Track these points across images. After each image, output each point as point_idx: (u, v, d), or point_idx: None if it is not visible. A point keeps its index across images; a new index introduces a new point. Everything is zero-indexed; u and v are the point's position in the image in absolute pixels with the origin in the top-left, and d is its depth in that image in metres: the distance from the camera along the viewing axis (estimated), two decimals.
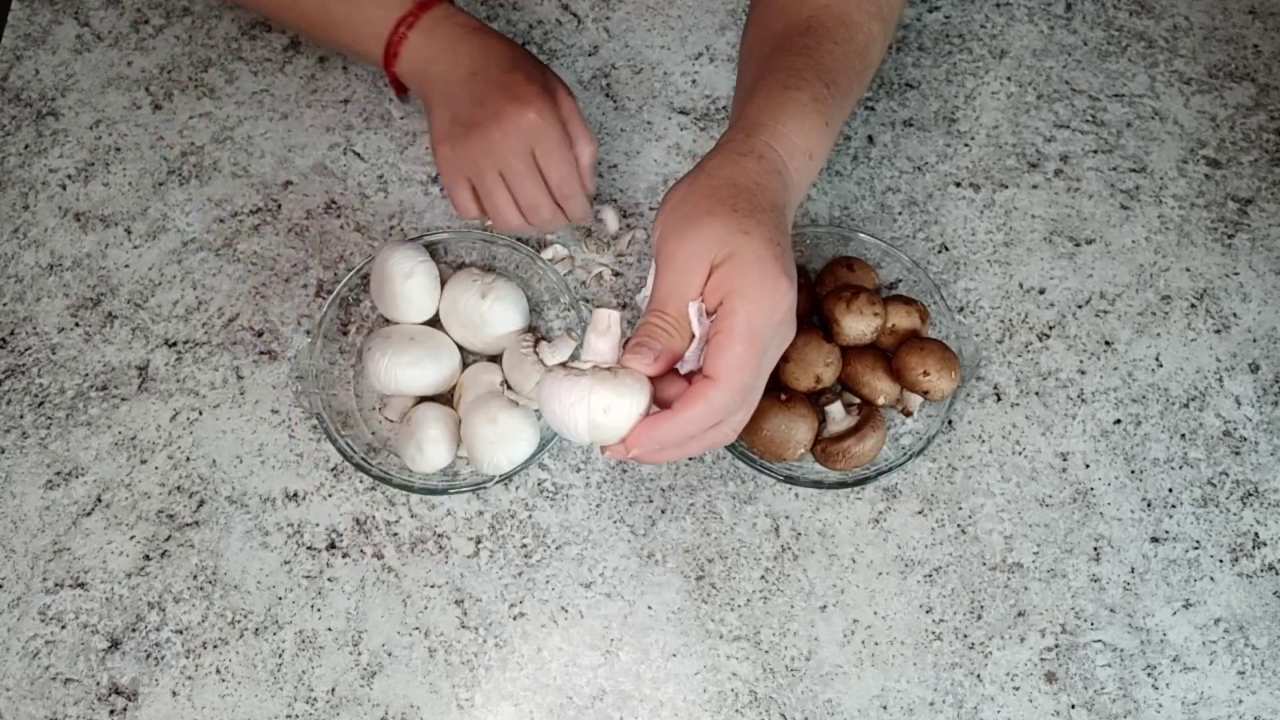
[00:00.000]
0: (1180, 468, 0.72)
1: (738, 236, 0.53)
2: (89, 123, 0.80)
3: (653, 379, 0.53)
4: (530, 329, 0.73)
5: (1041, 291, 0.77)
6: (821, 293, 0.73)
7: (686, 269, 0.53)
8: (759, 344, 0.52)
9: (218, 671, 0.66)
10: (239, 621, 0.67)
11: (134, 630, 0.67)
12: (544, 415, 0.54)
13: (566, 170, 0.67)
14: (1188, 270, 0.78)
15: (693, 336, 0.53)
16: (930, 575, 0.69)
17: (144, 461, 0.71)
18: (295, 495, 0.70)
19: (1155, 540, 0.71)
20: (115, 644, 0.67)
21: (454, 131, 0.67)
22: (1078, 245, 0.78)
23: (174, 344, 0.74)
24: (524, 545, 0.69)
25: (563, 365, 0.54)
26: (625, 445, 0.53)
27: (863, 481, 0.69)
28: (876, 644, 0.67)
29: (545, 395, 0.53)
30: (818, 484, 0.68)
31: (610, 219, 0.78)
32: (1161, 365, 0.75)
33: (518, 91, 0.66)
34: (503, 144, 0.66)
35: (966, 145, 0.81)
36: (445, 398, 0.72)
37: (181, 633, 0.67)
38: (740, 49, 0.71)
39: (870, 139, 0.81)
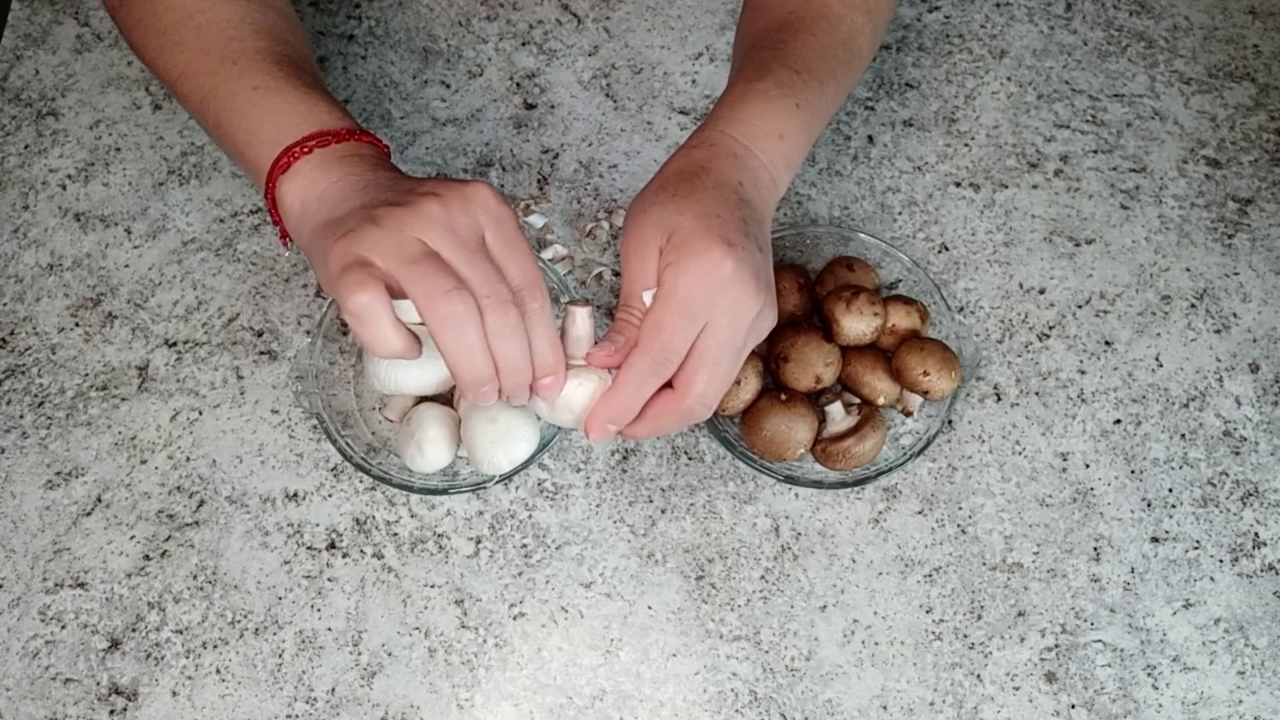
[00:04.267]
0: (1180, 468, 0.72)
1: (673, 217, 0.55)
2: (89, 123, 0.80)
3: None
4: None
5: (1041, 291, 0.77)
6: (821, 293, 0.73)
7: (638, 260, 0.56)
8: (681, 305, 0.54)
9: (218, 671, 0.66)
10: (239, 621, 0.67)
11: (134, 630, 0.67)
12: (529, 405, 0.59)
13: (519, 250, 0.52)
14: (1188, 270, 0.78)
15: None
16: (930, 575, 0.69)
17: (144, 461, 0.71)
18: (295, 495, 0.70)
19: (1155, 540, 0.71)
20: (115, 644, 0.67)
21: (363, 217, 0.49)
22: (1078, 245, 0.78)
23: (174, 344, 0.74)
24: (524, 545, 0.69)
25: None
26: (585, 428, 0.56)
27: (863, 481, 0.69)
28: (876, 644, 0.67)
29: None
30: (818, 484, 0.68)
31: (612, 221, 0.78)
32: (1161, 365, 0.75)
33: (451, 181, 0.51)
34: (443, 216, 0.48)
35: (966, 145, 0.81)
36: (445, 398, 0.72)
37: (181, 633, 0.67)
38: (734, 46, 0.71)
39: (870, 139, 0.81)
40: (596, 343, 0.57)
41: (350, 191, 0.52)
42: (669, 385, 0.56)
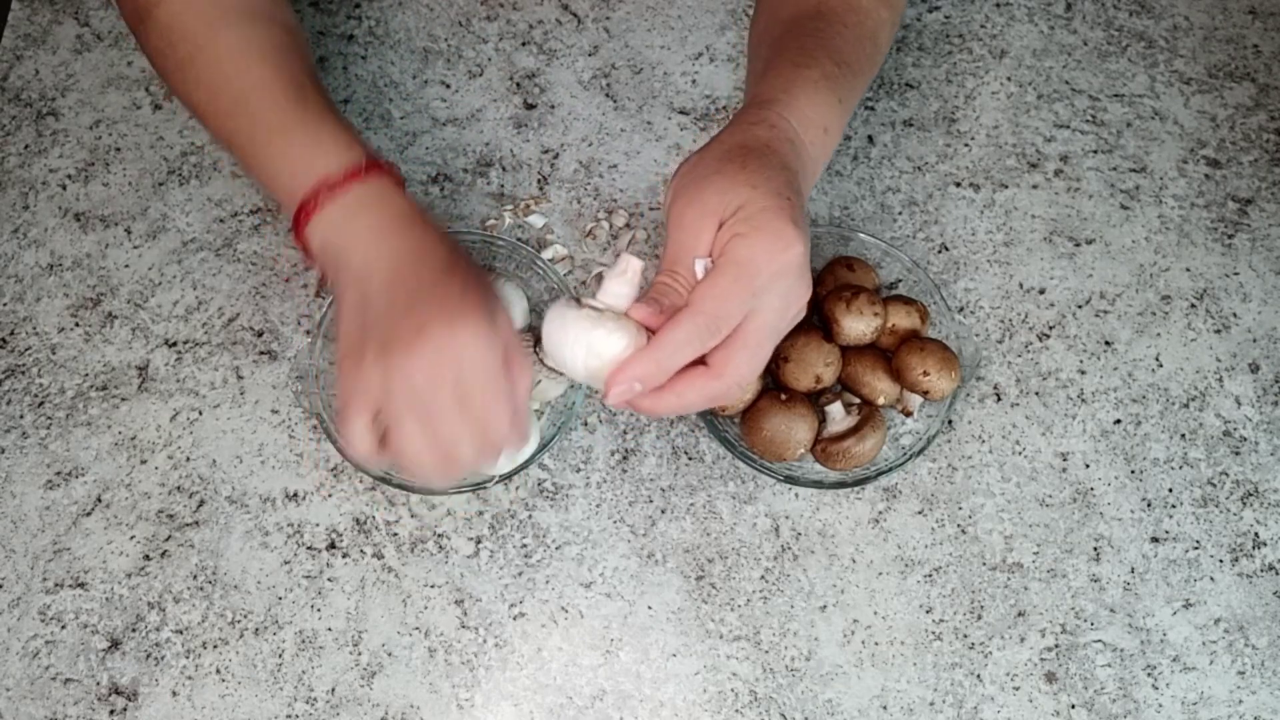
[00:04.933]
0: (1180, 468, 0.72)
1: (745, 190, 0.53)
2: (89, 123, 0.80)
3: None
4: (530, 329, 0.73)
5: (1041, 291, 0.77)
6: (821, 293, 0.73)
7: (694, 228, 0.53)
8: (746, 279, 0.52)
9: (218, 671, 0.66)
10: (239, 621, 0.67)
11: (134, 630, 0.67)
12: (545, 345, 0.55)
13: (498, 409, 0.55)
14: (1188, 270, 0.78)
15: None
16: (930, 575, 0.69)
17: (144, 461, 0.71)
18: (295, 495, 0.70)
19: (1155, 540, 0.71)
20: (115, 644, 0.67)
21: (364, 347, 0.54)
22: (1078, 245, 0.78)
23: (174, 344, 0.74)
24: (524, 545, 0.69)
25: (577, 301, 0.55)
26: (606, 385, 0.53)
27: (863, 481, 0.69)
28: (876, 644, 0.67)
29: (549, 326, 0.54)
30: (818, 484, 0.68)
31: (613, 219, 0.78)
32: (1161, 365, 0.75)
33: (449, 306, 0.54)
34: (419, 371, 0.53)
35: (966, 145, 0.81)
36: None
37: (181, 633, 0.67)
38: (749, 38, 0.71)
39: (870, 139, 0.81)
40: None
41: (373, 277, 0.56)
42: (701, 361, 0.54)
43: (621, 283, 0.55)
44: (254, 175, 0.62)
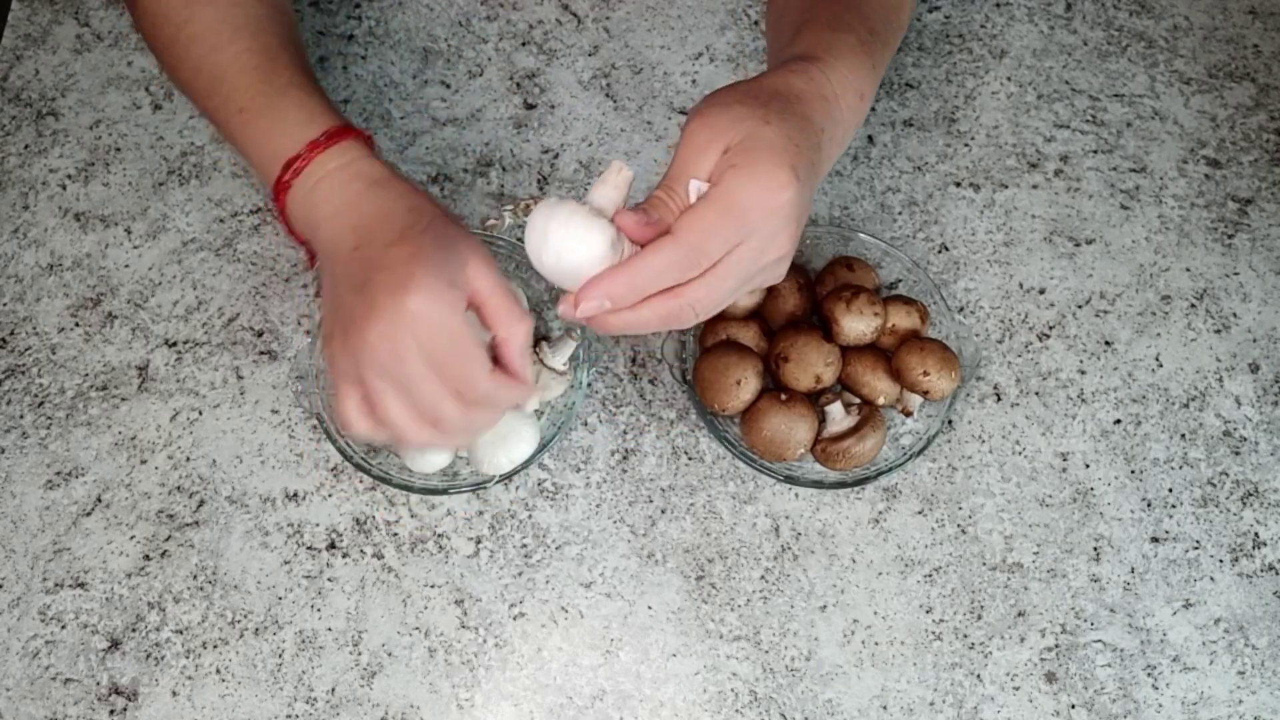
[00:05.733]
0: (1180, 468, 0.72)
1: (757, 124, 0.53)
2: (89, 123, 0.80)
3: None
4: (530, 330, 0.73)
5: (1041, 291, 0.77)
6: (821, 293, 0.73)
7: (700, 148, 0.53)
8: (735, 216, 0.51)
9: (218, 671, 0.66)
10: (239, 621, 0.67)
11: (134, 630, 0.67)
12: (526, 241, 0.54)
13: (470, 365, 0.53)
14: (1188, 270, 0.78)
15: None
16: (930, 575, 0.69)
17: (144, 461, 0.71)
18: (295, 495, 0.70)
19: (1155, 540, 0.71)
20: (115, 644, 0.67)
21: (335, 328, 0.55)
22: (1078, 245, 0.78)
23: (174, 344, 0.74)
24: (524, 545, 0.69)
25: (563, 199, 0.54)
26: (577, 296, 0.52)
27: (863, 481, 0.69)
28: (876, 644, 0.67)
29: (533, 219, 0.53)
30: (818, 484, 0.68)
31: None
32: (1161, 365, 0.75)
33: (397, 275, 0.52)
34: (380, 345, 0.52)
35: (966, 145, 0.81)
36: None
37: (181, 633, 0.67)
38: (770, 10, 0.70)
39: (870, 139, 0.81)
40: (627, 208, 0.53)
41: (339, 252, 0.56)
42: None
43: (610, 187, 0.54)
44: (238, 149, 0.62)
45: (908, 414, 0.72)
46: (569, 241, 0.52)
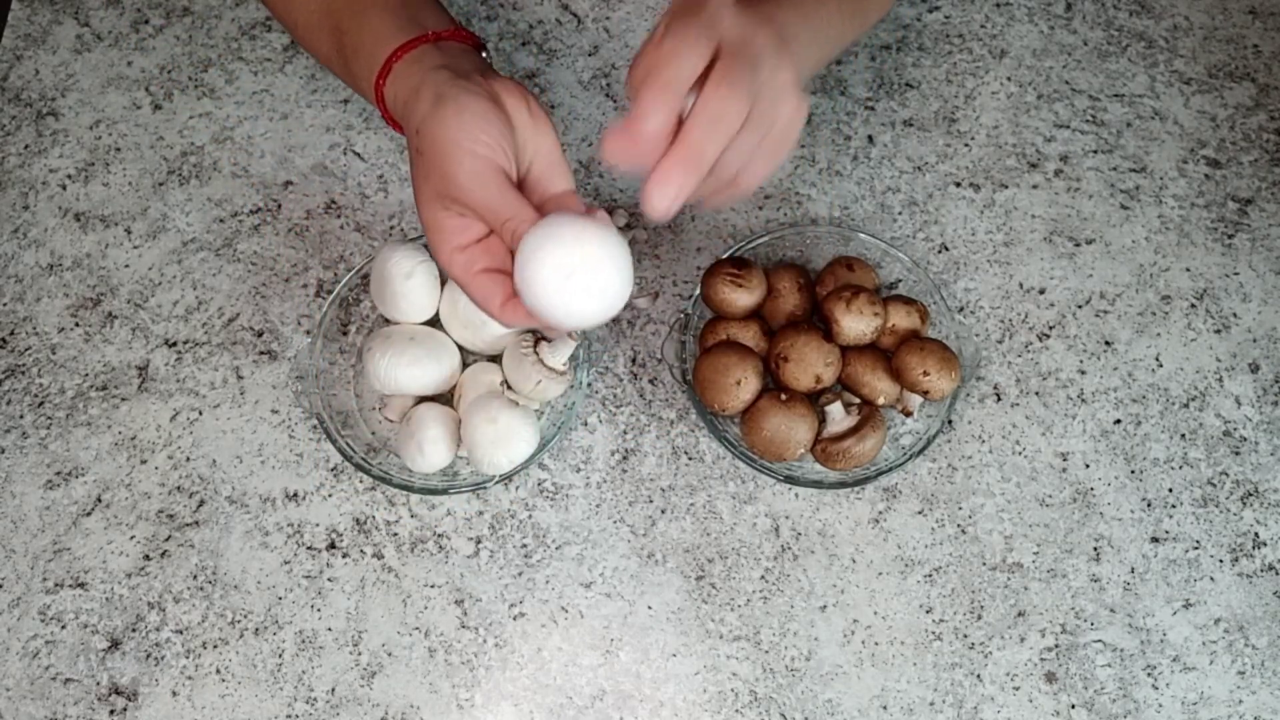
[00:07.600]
0: (1180, 468, 0.72)
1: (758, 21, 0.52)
2: (89, 123, 0.80)
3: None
4: (530, 329, 0.73)
5: (1041, 291, 0.77)
6: (821, 293, 0.73)
7: (691, 40, 0.51)
8: (748, 62, 0.51)
9: (218, 671, 0.66)
10: (239, 621, 0.67)
11: (134, 630, 0.67)
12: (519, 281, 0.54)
13: (481, 196, 0.54)
14: (1188, 270, 0.78)
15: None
16: (930, 575, 0.69)
17: (144, 461, 0.71)
18: (295, 495, 0.70)
19: (1155, 540, 0.71)
20: (115, 644, 0.67)
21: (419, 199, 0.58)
22: (1078, 245, 0.79)
23: (174, 344, 0.74)
24: (524, 545, 0.69)
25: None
26: (648, 194, 0.52)
27: (863, 481, 0.69)
28: (876, 644, 0.67)
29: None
30: (818, 484, 0.68)
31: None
32: (1161, 365, 0.75)
33: (438, 144, 0.54)
34: (427, 222, 0.55)
35: (966, 145, 0.81)
36: (445, 398, 0.72)
37: (181, 633, 0.67)
38: None
39: (870, 139, 0.81)
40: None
41: (409, 136, 0.58)
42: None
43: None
44: (349, 66, 0.64)
45: (908, 414, 0.72)
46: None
